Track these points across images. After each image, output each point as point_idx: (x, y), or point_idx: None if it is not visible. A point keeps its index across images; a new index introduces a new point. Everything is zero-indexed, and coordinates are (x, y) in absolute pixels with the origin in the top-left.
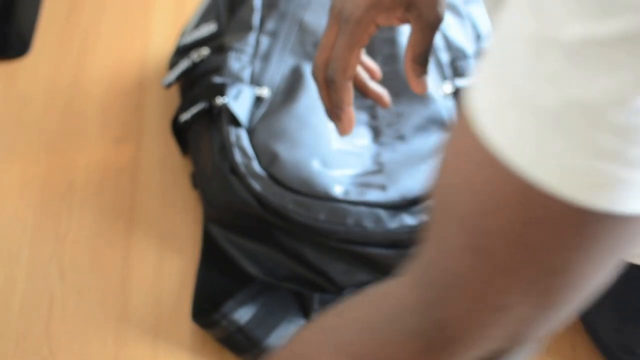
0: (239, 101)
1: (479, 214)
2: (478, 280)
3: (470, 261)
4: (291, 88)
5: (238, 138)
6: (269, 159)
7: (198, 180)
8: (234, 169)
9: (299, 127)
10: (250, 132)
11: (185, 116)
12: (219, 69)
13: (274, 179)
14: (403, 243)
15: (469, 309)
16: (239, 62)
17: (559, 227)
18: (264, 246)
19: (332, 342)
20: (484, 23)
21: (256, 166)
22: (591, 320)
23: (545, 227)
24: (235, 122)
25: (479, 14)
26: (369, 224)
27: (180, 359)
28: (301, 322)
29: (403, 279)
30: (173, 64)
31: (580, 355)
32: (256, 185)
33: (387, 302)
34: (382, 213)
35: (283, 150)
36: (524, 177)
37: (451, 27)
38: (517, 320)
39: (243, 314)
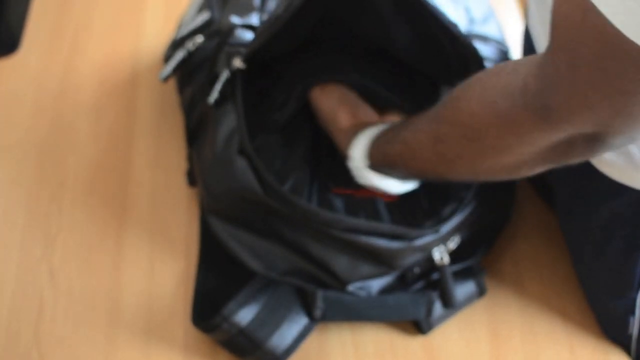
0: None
1: (574, 42)
2: (570, 85)
3: (566, 72)
4: None
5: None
6: None
7: (198, 173)
8: (242, 148)
9: None
10: None
11: (213, 96)
12: (222, 43)
13: None
14: (408, 235)
15: (564, 103)
16: (247, 35)
17: (625, 60)
18: (264, 239)
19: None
20: (477, 9)
21: None
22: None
23: (617, 58)
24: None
25: (473, 0)
26: None
27: None
28: (303, 320)
29: (531, 64)
30: (168, 57)
31: (580, 358)
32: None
33: (513, 77)
34: None
35: None
36: (603, 18)
37: (443, 7)
38: (597, 118)
39: (244, 315)
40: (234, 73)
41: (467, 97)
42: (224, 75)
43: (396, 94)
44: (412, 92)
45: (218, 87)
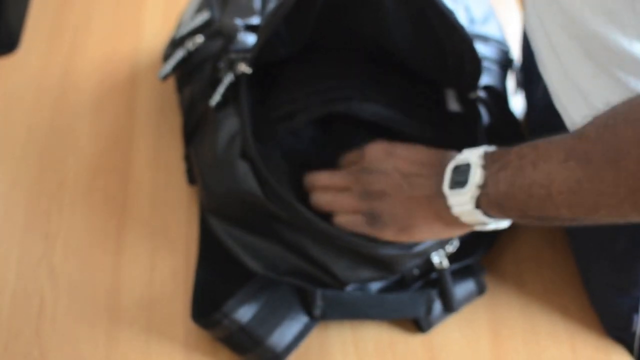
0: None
1: None
2: None
3: None
4: None
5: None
6: None
7: (197, 172)
8: (245, 152)
9: None
10: None
11: (216, 98)
12: (226, 49)
13: None
14: (407, 244)
15: None
16: (250, 39)
17: None
18: (264, 240)
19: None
20: (477, 9)
21: None
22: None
23: None
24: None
25: (474, 0)
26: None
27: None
28: (304, 319)
29: None
30: (167, 56)
31: (582, 357)
32: None
33: None
34: None
35: None
36: None
37: None
38: None
39: (244, 313)
40: (239, 77)
41: (614, 113)
42: (228, 78)
43: (407, 114)
44: (418, 102)
45: (221, 90)
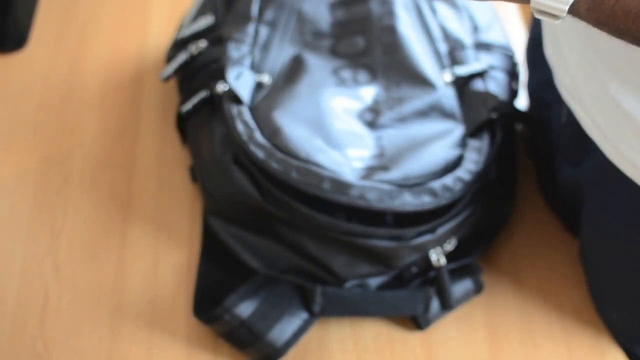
0: (240, 82)
1: None
2: None
3: None
4: (292, 74)
5: (240, 112)
6: (271, 131)
7: (197, 173)
8: (237, 158)
9: (301, 104)
10: (252, 110)
11: (187, 107)
12: (218, 59)
13: (278, 148)
14: (404, 236)
15: None
16: (238, 51)
17: None
18: (264, 239)
19: None
20: (480, 16)
21: (259, 137)
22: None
23: None
24: (237, 100)
25: (476, 7)
26: (372, 197)
27: (176, 355)
28: (303, 315)
29: None
30: (170, 57)
31: (577, 356)
32: (259, 153)
33: None
34: (385, 188)
35: (286, 125)
36: None
37: (449, 19)
38: None
39: (245, 308)
40: (219, 95)
41: None
42: (204, 93)
43: None
44: None
45: (194, 100)
